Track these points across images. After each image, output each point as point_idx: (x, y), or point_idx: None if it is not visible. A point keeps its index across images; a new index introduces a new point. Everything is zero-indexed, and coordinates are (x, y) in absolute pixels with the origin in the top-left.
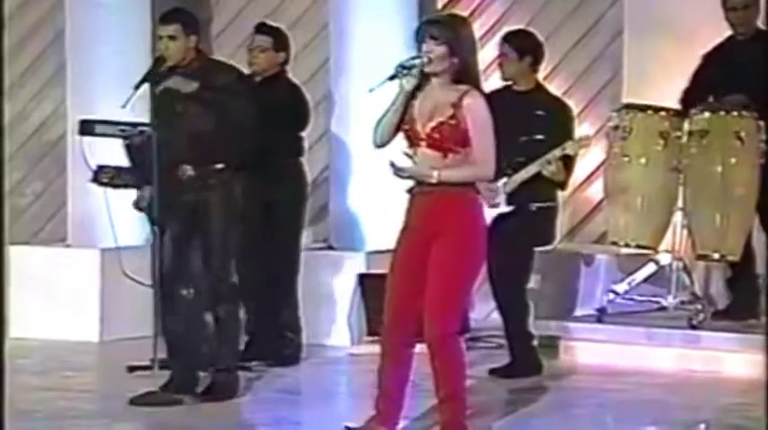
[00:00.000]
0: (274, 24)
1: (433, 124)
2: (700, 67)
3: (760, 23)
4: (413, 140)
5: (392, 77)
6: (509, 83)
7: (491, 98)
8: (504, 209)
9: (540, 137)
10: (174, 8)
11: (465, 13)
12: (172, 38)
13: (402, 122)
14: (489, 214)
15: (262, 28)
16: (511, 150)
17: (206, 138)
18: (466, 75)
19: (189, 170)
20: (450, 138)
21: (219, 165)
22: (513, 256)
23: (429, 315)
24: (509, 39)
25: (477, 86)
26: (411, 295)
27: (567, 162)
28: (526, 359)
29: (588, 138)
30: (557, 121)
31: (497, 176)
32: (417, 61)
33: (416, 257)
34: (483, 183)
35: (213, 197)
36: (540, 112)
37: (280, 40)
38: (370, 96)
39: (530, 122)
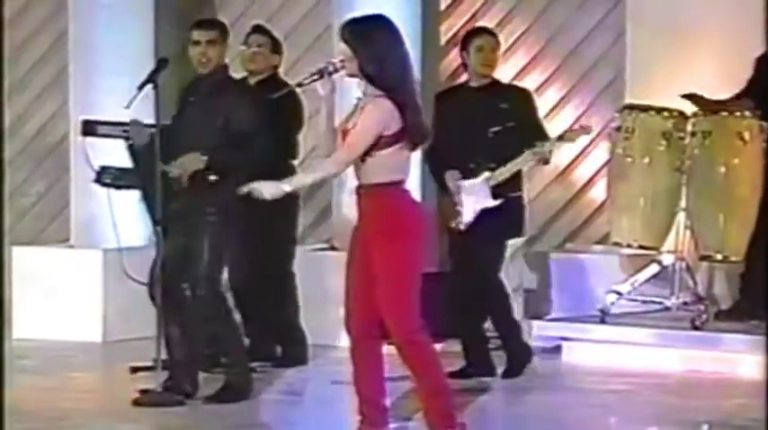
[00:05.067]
0: (269, 27)
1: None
2: (754, 70)
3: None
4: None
5: (321, 74)
6: (463, 81)
7: (445, 97)
8: (491, 203)
9: (509, 125)
10: (209, 18)
11: (467, 15)
12: (212, 43)
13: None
14: (473, 208)
15: (258, 29)
16: (483, 144)
17: (207, 146)
18: (377, 78)
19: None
20: None
21: (213, 178)
22: (493, 248)
23: (387, 321)
24: None
25: (390, 90)
26: (364, 294)
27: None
28: (519, 350)
29: (569, 135)
30: (522, 111)
31: (477, 171)
32: (329, 66)
33: (362, 255)
34: (451, 179)
35: (205, 204)
36: (503, 106)
37: (275, 43)
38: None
39: (494, 115)
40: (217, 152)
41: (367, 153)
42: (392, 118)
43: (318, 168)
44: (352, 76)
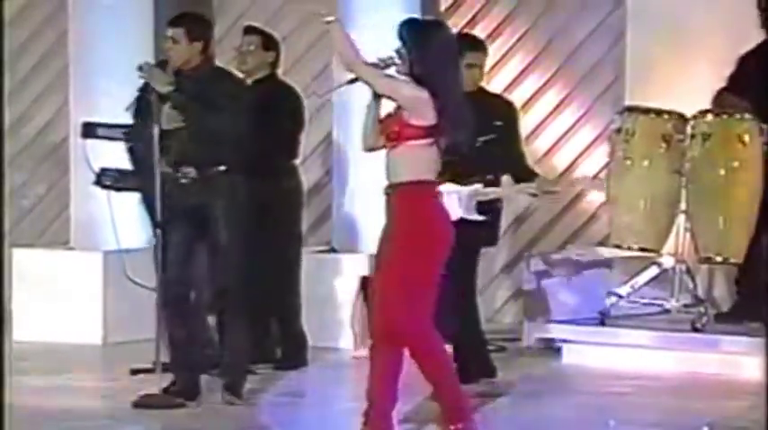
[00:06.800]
0: (262, 27)
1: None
2: (736, 68)
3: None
4: None
5: (352, 81)
6: None
7: None
8: (475, 217)
9: (493, 136)
10: (185, 12)
11: (467, 17)
12: (174, 40)
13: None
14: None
15: (248, 29)
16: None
17: (207, 141)
18: (422, 80)
19: (191, 172)
20: (390, 125)
21: (222, 168)
22: (466, 256)
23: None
24: None
25: (433, 94)
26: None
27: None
28: (480, 362)
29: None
30: (510, 126)
31: (464, 182)
32: (380, 63)
33: (386, 256)
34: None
35: (218, 202)
36: (494, 118)
37: (267, 40)
38: (371, 98)
39: (482, 125)
40: (214, 150)
41: (396, 140)
42: (425, 108)
43: (356, 51)
44: (399, 73)
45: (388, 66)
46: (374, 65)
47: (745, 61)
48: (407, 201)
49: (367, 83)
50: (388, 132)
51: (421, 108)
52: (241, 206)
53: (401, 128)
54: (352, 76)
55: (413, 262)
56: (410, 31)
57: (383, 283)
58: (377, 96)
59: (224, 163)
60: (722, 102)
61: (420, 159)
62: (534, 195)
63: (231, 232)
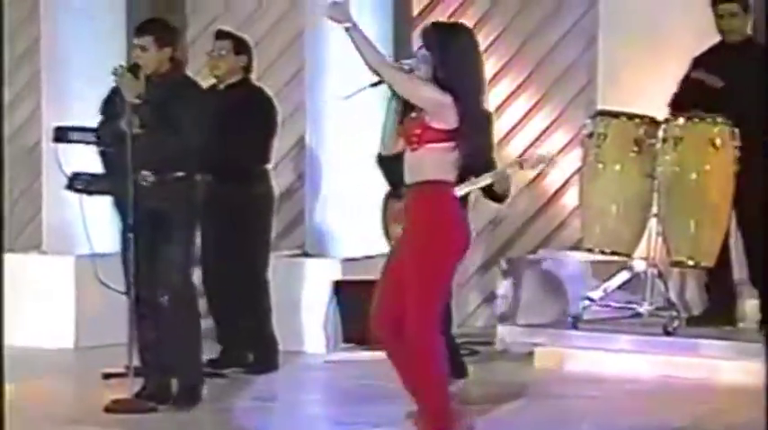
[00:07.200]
0: (234, 31)
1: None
2: (690, 71)
3: (750, 31)
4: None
5: (375, 84)
6: None
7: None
8: None
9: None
10: (151, 19)
11: (442, 19)
12: (143, 48)
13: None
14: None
15: (220, 34)
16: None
17: (166, 148)
18: (445, 83)
19: (149, 176)
20: (411, 128)
21: (180, 174)
22: None
23: (408, 312)
24: None
25: (455, 98)
26: (390, 296)
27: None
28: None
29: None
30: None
31: None
32: (405, 66)
33: (400, 255)
34: None
35: (174, 206)
36: None
37: (238, 45)
38: (345, 103)
39: None
40: (172, 157)
41: (417, 143)
42: (448, 112)
43: (378, 53)
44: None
45: (410, 71)
46: (398, 68)
47: (698, 64)
48: (425, 199)
49: (391, 85)
50: (409, 135)
51: (443, 112)
52: (198, 211)
53: (423, 131)
54: (375, 78)
55: (429, 262)
56: (434, 34)
57: (399, 286)
58: (397, 98)
59: (182, 170)
60: (686, 96)
61: (440, 161)
62: (496, 194)
63: (183, 236)
